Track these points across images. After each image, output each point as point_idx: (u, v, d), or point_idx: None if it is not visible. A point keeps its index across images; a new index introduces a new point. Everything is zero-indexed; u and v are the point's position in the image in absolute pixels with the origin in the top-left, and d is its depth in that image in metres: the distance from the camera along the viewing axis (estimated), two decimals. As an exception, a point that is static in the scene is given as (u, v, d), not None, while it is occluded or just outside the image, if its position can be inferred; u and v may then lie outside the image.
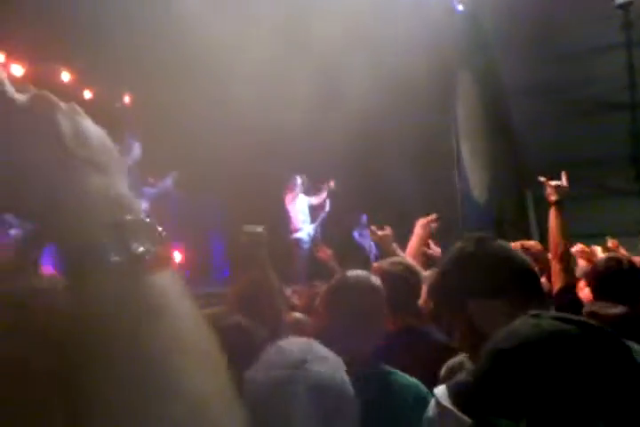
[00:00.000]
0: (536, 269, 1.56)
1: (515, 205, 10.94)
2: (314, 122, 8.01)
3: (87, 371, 0.49)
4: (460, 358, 1.78)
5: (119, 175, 0.58)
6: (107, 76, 8.02)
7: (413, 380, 1.90)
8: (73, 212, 0.53)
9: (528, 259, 1.54)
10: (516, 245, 3.98)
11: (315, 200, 8.43)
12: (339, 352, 1.55)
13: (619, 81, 11.17)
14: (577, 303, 2.63)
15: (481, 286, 1.43)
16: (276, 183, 8.29)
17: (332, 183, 8.51)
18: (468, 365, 1.52)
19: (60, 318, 0.56)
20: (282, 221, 8.29)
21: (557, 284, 2.69)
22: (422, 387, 1.87)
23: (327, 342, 1.77)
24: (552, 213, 2.82)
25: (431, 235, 3.73)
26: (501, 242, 1.56)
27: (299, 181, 8.27)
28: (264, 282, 2.56)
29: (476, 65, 11.24)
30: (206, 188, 7.28)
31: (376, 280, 2.06)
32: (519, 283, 1.44)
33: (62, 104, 0.58)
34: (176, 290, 0.53)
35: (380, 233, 3.52)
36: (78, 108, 0.59)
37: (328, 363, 1.22)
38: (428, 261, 3.88)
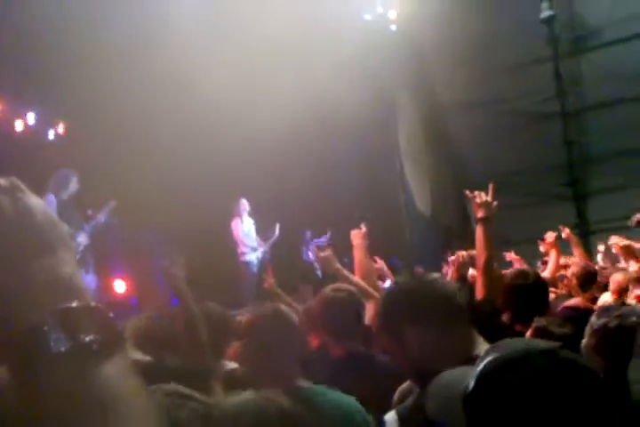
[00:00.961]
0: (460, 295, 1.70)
1: (457, 216, 11.18)
2: (254, 145, 8.03)
3: None
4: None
5: (66, 253, 0.55)
6: (39, 105, 7.86)
7: (345, 397, 1.90)
8: (16, 298, 0.50)
9: (453, 287, 1.72)
10: (462, 255, 4.11)
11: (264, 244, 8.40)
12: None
13: (549, 91, 11.64)
14: (495, 315, 2.74)
15: (411, 314, 1.59)
16: (219, 206, 8.23)
17: (276, 229, 8.53)
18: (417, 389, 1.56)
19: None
20: (228, 244, 8.22)
21: (479, 295, 2.76)
22: (355, 404, 1.88)
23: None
24: (478, 229, 2.86)
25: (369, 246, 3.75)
26: (431, 275, 1.79)
27: (244, 203, 8.24)
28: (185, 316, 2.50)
29: (413, 83, 11.53)
30: (149, 216, 7.17)
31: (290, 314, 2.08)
32: (441, 310, 1.58)
33: (2, 181, 0.55)
34: (126, 379, 0.50)
35: (321, 255, 3.47)
36: (19, 182, 0.56)
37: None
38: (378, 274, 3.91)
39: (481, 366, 0.90)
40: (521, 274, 3.12)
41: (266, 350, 1.92)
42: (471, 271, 4.20)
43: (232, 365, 2.64)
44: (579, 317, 2.80)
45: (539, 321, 2.43)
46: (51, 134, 8.31)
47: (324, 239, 9.51)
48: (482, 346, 1.51)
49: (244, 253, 8.08)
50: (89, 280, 5.91)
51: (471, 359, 1.36)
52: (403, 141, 11.22)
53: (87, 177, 6.36)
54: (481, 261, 2.80)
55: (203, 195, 7.42)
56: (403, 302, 1.63)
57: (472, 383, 0.89)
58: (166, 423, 0.51)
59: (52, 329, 0.49)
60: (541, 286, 3.07)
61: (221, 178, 7.39)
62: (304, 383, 1.93)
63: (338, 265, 3.35)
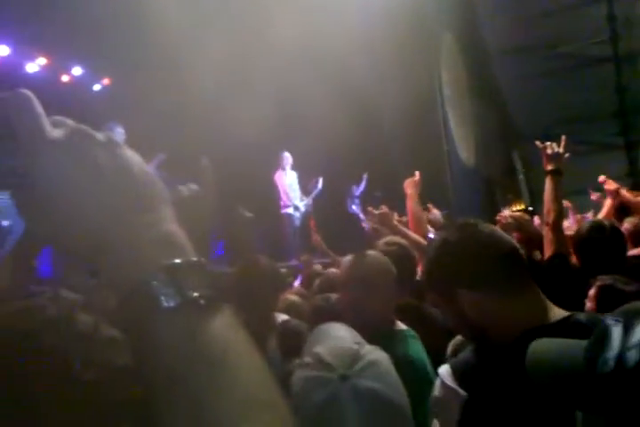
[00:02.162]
0: (521, 251, 1.53)
1: (503, 166, 10.96)
2: (300, 94, 7.95)
3: (154, 409, 0.48)
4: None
5: (166, 209, 0.55)
6: (84, 58, 7.92)
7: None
8: (123, 254, 0.51)
9: (513, 243, 1.49)
10: (505, 217, 3.98)
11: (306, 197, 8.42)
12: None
13: (601, 34, 11.08)
14: (568, 271, 2.61)
15: (467, 276, 1.38)
16: (264, 160, 8.26)
17: (319, 182, 8.50)
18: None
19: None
20: (272, 197, 8.29)
21: (548, 252, 2.68)
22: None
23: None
24: (547, 182, 2.74)
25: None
26: (484, 227, 1.47)
27: (287, 157, 8.25)
28: (255, 270, 2.56)
29: (458, 26, 11.10)
30: (193, 169, 7.26)
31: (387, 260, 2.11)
32: (505, 271, 1.39)
33: (99, 136, 0.54)
34: (234, 334, 0.51)
35: (377, 212, 3.42)
36: (116, 138, 0.56)
37: (376, 370, 1.11)
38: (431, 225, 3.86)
39: (615, 339, 0.79)
40: (597, 226, 2.92)
41: (373, 295, 1.96)
42: None
43: (283, 316, 2.71)
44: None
45: (602, 279, 2.30)
46: (96, 87, 8.43)
47: (362, 185, 9.51)
48: (553, 311, 1.36)
49: (286, 206, 8.15)
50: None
51: (544, 327, 1.27)
52: (446, 89, 10.91)
53: (130, 130, 6.46)
54: (551, 216, 2.67)
55: (247, 147, 7.45)
56: (455, 262, 1.41)
57: (633, 355, 0.76)
58: (275, 377, 0.51)
59: (161, 285, 0.49)
60: (619, 239, 2.89)
61: (264, 131, 7.39)
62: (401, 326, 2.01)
63: (395, 222, 3.31)
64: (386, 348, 1.85)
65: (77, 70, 7.97)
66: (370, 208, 3.58)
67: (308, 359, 1.11)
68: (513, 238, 3.95)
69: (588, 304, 2.26)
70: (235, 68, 7.40)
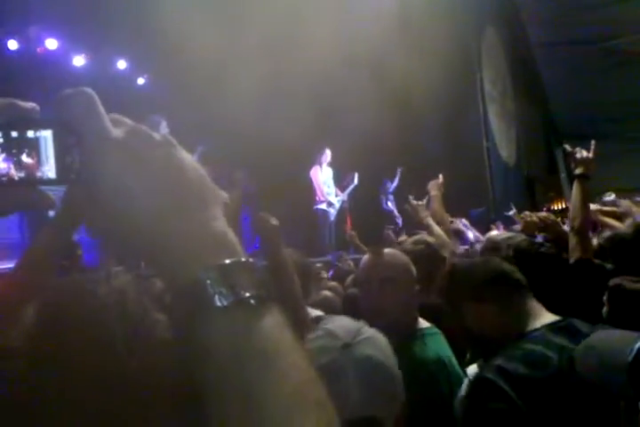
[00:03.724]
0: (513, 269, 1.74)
1: (545, 163, 10.76)
2: (342, 90, 7.96)
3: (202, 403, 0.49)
4: None
5: (217, 208, 0.56)
6: (130, 54, 8.07)
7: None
8: (175, 253, 0.52)
9: (507, 267, 1.74)
10: (529, 215, 3.97)
11: (341, 193, 8.44)
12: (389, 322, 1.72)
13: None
14: (593, 276, 2.56)
15: (470, 293, 1.66)
16: (302, 155, 8.29)
17: (355, 178, 8.50)
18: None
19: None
20: (309, 192, 8.32)
21: (573, 256, 2.64)
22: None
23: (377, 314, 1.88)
24: (575, 187, 2.76)
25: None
26: (490, 259, 1.84)
27: (327, 153, 8.25)
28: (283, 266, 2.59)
29: (500, 19, 10.91)
30: (232, 161, 7.33)
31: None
32: (495, 287, 1.65)
33: (157, 136, 0.56)
34: (283, 333, 0.51)
35: (414, 203, 3.54)
36: (172, 138, 0.57)
37: (376, 342, 1.25)
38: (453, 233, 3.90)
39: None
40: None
41: (391, 294, 1.98)
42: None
43: (317, 312, 2.73)
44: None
45: (613, 280, 2.27)
46: (140, 81, 8.59)
47: (396, 181, 9.47)
48: (542, 319, 1.56)
49: (320, 202, 8.17)
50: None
51: (527, 333, 1.51)
52: (488, 84, 10.75)
53: (172, 123, 6.57)
54: (577, 221, 2.66)
55: (285, 142, 7.49)
56: (464, 281, 1.71)
57: None
58: (318, 374, 0.52)
59: (215, 284, 0.50)
60: None
61: (302, 127, 7.42)
62: (424, 324, 2.02)
63: (426, 214, 3.36)
64: (410, 347, 1.87)
65: (122, 64, 8.14)
66: (411, 197, 3.62)
67: (319, 333, 1.26)
68: (535, 239, 3.88)
69: (604, 309, 2.23)
70: (272, 64, 7.44)
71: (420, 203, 3.52)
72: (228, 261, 0.52)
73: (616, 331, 1.07)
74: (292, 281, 2.45)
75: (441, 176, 3.70)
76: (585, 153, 2.82)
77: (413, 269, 2.07)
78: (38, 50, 7.30)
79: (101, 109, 0.54)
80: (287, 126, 7.19)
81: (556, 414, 1.28)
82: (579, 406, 1.26)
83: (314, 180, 8.16)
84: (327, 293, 3.26)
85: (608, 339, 1.04)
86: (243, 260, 0.53)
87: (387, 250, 2.12)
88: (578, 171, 2.78)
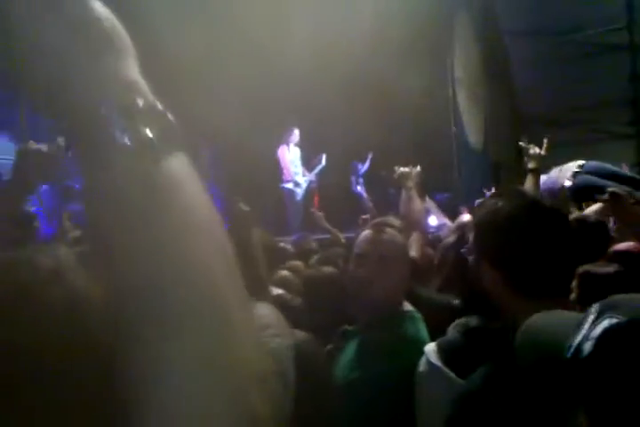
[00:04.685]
0: None
1: (511, 151, 10.88)
2: (308, 69, 7.86)
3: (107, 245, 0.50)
4: (466, 318, 1.81)
5: (132, 60, 0.55)
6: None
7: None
8: (83, 89, 0.51)
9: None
10: None
11: (309, 173, 8.37)
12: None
13: (618, 21, 10.91)
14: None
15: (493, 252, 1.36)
16: (270, 134, 8.20)
17: (322, 159, 8.45)
18: (474, 323, 1.50)
19: None
20: (276, 172, 8.27)
21: None
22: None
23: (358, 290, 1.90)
24: (528, 180, 2.90)
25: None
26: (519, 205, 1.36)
27: (295, 133, 8.19)
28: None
29: (474, 6, 10.93)
30: (198, 139, 7.22)
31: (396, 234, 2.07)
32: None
33: None
34: (187, 174, 0.52)
35: (400, 169, 3.34)
36: None
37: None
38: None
39: (600, 328, 0.79)
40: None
41: (388, 272, 1.96)
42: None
43: (278, 290, 2.69)
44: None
45: (582, 267, 2.28)
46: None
47: (367, 164, 9.47)
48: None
49: (287, 181, 8.13)
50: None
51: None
52: (458, 70, 10.77)
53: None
54: None
55: (253, 122, 7.39)
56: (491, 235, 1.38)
57: (587, 347, 0.78)
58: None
59: (118, 121, 0.49)
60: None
61: (271, 107, 7.33)
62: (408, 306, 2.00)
63: (411, 184, 3.22)
64: (395, 327, 1.87)
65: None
66: (396, 167, 3.39)
67: None
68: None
69: (572, 295, 2.24)
70: (247, 41, 7.30)
71: (407, 169, 3.34)
72: (136, 103, 0.51)
73: (555, 314, 0.97)
74: (257, 265, 2.41)
75: (419, 167, 3.57)
76: (537, 149, 3.02)
77: (408, 251, 2.07)
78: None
79: None
80: (256, 107, 7.10)
81: None
82: None
83: (281, 159, 8.12)
84: (285, 273, 3.21)
85: (545, 328, 0.94)
86: (152, 104, 0.52)
87: (388, 229, 2.09)
88: (530, 165, 2.97)
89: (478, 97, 10.83)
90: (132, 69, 0.54)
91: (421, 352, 1.66)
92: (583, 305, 2.14)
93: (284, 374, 1.18)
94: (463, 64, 10.76)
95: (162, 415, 0.44)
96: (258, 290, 2.37)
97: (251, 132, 7.74)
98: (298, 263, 3.77)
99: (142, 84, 0.54)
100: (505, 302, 1.33)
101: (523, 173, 2.96)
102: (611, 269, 2.23)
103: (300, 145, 8.33)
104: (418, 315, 2.00)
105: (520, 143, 3.12)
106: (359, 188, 9.34)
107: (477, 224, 1.42)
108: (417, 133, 9.24)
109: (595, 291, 2.14)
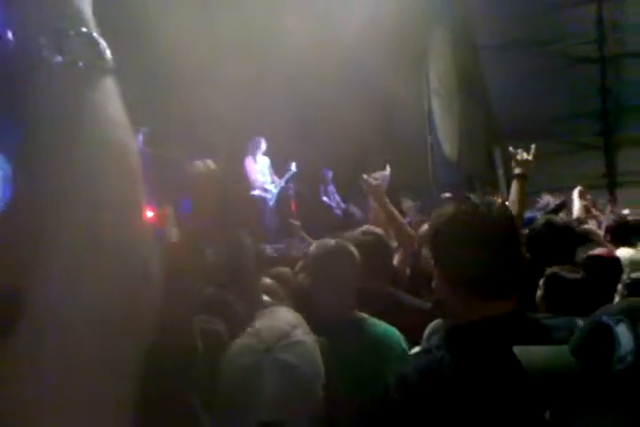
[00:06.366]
0: None
1: (484, 161, 11.04)
2: (283, 78, 7.89)
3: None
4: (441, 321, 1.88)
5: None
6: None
7: (390, 329, 2.06)
8: (21, 12, 0.52)
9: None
10: None
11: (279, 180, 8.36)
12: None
13: (588, 36, 11.17)
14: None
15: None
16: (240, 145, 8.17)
17: (292, 166, 8.42)
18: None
19: None
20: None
21: None
22: (397, 336, 2.04)
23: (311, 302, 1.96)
24: (514, 185, 2.92)
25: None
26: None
27: (260, 142, 8.15)
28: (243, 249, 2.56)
29: (449, 21, 11.08)
30: (174, 145, 7.18)
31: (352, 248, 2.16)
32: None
33: None
34: (111, 100, 0.54)
35: (373, 183, 3.21)
36: None
37: (298, 349, 1.25)
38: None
39: (625, 335, 0.79)
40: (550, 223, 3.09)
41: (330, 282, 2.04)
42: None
43: (264, 298, 2.70)
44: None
45: (551, 269, 2.43)
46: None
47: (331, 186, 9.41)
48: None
49: (255, 189, 8.11)
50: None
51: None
52: (433, 81, 10.90)
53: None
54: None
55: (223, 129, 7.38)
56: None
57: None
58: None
59: (47, 43, 0.51)
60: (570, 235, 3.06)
61: (248, 116, 7.31)
62: (360, 314, 2.07)
63: (386, 199, 3.17)
64: (345, 333, 1.91)
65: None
66: (365, 176, 3.24)
67: (249, 330, 1.28)
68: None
69: (539, 292, 2.37)
70: (215, 48, 7.29)
71: (379, 184, 3.23)
72: (68, 27, 0.52)
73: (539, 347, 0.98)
74: (249, 271, 2.45)
75: (388, 168, 3.62)
76: (525, 155, 3.01)
77: (356, 258, 2.17)
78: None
79: None
80: (228, 115, 7.09)
81: None
82: None
83: (248, 170, 8.09)
84: (268, 281, 3.20)
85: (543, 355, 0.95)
86: (85, 30, 0.53)
87: (332, 240, 2.20)
88: (517, 171, 2.96)
89: (453, 108, 10.98)
90: (84, 1, 0.55)
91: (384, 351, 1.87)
92: (548, 304, 2.26)
93: (315, 364, 1.24)
94: (439, 75, 10.90)
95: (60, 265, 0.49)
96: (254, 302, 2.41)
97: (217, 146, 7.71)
98: (286, 270, 3.75)
99: (85, 13, 0.55)
100: (452, 303, 1.39)
101: (496, 184, 3.03)
102: (578, 275, 2.34)
103: (268, 153, 8.30)
104: (373, 321, 2.08)
105: (510, 148, 3.13)
106: (325, 199, 9.31)
107: (429, 231, 1.50)
108: (392, 141, 9.30)
109: (560, 293, 2.27)
